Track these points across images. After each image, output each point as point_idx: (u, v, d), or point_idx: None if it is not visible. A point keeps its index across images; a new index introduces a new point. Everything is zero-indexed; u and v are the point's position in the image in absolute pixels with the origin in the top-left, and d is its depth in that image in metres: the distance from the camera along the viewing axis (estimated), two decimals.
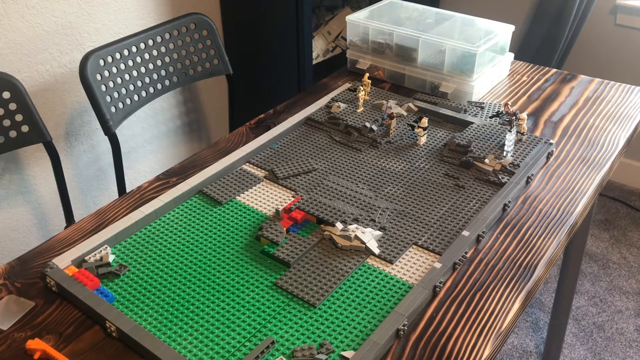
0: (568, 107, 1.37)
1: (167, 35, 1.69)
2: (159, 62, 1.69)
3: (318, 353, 0.78)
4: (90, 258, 0.94)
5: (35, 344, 0.79)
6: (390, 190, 1.10)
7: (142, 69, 1.65)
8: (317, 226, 1.01)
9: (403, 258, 0.95)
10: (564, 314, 1.73)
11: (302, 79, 2.06)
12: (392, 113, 1.25)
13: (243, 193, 1.10)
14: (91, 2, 1.78)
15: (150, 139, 2.15)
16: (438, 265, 0.91)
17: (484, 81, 1.39)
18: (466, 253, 0.95)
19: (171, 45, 1.71)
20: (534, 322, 2.02)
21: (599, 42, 2.50)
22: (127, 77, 1.61)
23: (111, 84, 1.57)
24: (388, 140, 1.23)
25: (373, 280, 0.90)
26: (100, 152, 1.98)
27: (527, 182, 1.11)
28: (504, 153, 1.16)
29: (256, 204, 1.07)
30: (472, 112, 1.32)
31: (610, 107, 1.37)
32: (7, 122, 1.42)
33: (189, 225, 1.03)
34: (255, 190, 1.11)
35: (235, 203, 1.08)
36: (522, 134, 1.20)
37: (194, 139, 2.35)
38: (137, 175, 2.16)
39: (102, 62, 1.54)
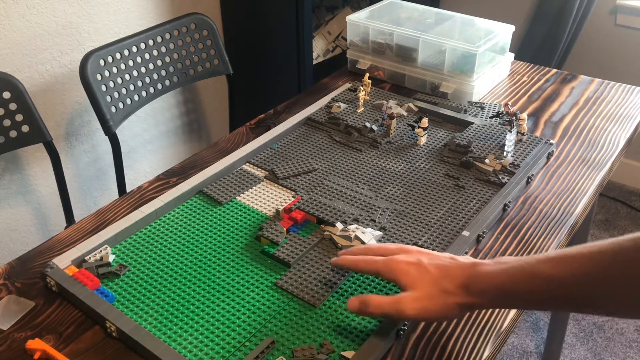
0: (568, 107, 1.37)
1: (167, 35, 1.69)
2: (159, 62, 1.69)
3: (318, 353, 0.78)
4: (90, 258, 0.94)
5: (35, 344, 0.79)
6: (390, 190, 1.10)
7: (142, 69, 1.65)
8: (317, 226, 1.01)
9: None
10: (564, 314, 1.73)
11: (302, 79, 2.06)
12: (392, 113, 1.25)
13: (243, 193, 1.10)
14: (91, 2, 1.78)
15: (150, 139, 2.15)
16: None
17: (484, 81, 1.39)
18: (466, 253, 0.95)
19: (171, 45, 1.71)
20: (534, 322, 2.02)
21: (599, 42, 2.50)
22: (127, 77, 1.62)
23: (111, 84, 1.57)
24: (388, 140, 1.23)
25: (373, 280, 0.90)
26: (100, 152, 1.98)
27: (528, 183, 1.11)
28: (504, 153, 1.16)
29: (256, 204, 1.07)
30: (472, 112, 1.32)
31: (611, 107, 1.37)
32: (7, 122, 1.42)
33: (189, 225, 1.03)
34: (255, 190, 1.11)
35: (235, 203, 1.08)
36: (523, 134, 1.20)
37: (194, 139, 2.35)
38: (137, 175, 2.16)
39: (102, 62, 1.54)
